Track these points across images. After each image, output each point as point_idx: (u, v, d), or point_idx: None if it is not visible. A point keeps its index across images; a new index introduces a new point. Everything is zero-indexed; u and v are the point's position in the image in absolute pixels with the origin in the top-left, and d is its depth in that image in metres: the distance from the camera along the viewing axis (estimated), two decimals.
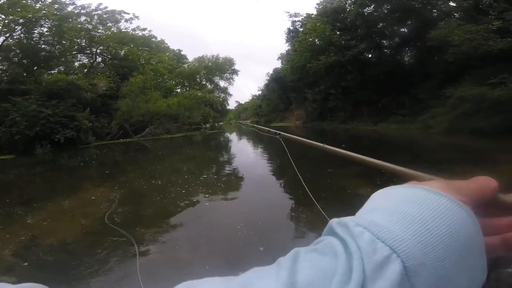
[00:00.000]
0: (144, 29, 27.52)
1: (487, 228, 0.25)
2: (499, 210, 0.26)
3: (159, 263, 3.02)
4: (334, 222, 0.25)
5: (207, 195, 5.44)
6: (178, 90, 28.88)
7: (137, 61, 24.13)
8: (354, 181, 5.69)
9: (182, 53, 35.42)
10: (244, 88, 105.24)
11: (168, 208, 4.86)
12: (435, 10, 20.48)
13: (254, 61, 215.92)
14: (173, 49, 34.68)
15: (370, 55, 27.30)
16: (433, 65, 18.25)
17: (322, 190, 5.18)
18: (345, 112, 26.53)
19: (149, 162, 10.46)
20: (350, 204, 4.22)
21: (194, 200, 5.21)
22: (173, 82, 29.13)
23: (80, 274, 2.85)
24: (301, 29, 33.24)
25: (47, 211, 4.94)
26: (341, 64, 25.57)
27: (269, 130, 1.02)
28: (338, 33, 25.93)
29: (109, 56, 23.67)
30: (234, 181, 6.88)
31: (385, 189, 0.27)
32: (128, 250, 3.23)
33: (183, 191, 5.73)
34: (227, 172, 8.09)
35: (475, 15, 15.61)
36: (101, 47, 22.51)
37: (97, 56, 23.52)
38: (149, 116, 20.30)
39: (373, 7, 23.06)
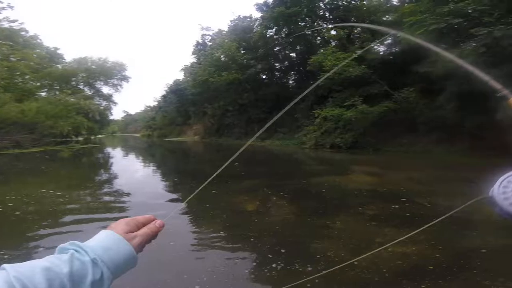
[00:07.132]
0: (14, 21, 23.94)
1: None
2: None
3: None
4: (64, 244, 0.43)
5: None
6: (43, 94, 23.78)
7: None
8: None
9: (58, 51, 29.71)
10: (137, 97, 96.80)
11: None
12: (319, 38, 23.23)
13: (154, 69, 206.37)
14: (47, 46, 28.89)
15: (264, 76, 29.30)
16: (307, 88, 20.51)
17: None
18: (240, 129, 27.23)
19: None
20: None
21: None
22: (37, 84, 23.84)
23: None
24: (210, 43, 33.30)
25: None
26: (240, 82, 26.39)
27: None
28: (242, 51, 26.83)
29: None
30: None
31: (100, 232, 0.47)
32: None
33: None
34: None
35: (345, 43, 18.27)
36: None
37: None
38: None
39: (275, 30, 24.78)
